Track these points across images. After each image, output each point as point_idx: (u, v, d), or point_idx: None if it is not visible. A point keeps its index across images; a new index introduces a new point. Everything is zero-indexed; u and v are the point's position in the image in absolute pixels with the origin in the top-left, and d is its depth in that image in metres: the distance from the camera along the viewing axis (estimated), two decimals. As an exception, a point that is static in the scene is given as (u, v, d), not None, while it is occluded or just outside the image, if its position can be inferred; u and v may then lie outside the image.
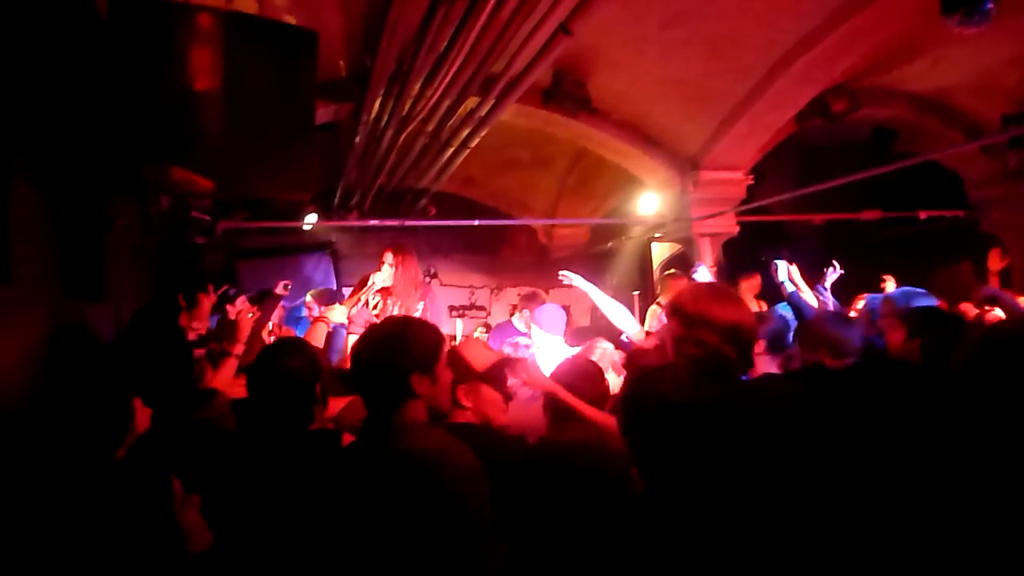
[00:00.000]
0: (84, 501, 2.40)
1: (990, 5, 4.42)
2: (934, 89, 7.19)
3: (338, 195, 8.72)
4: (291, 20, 4.81)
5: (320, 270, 10.06)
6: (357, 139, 6.61)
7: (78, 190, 3.64)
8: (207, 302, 3.83)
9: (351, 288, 5.71)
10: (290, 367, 2.46)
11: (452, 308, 10.98)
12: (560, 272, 4.65)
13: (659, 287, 7.66)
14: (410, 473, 1.84)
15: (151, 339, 3.31)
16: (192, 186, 3.83)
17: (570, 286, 4.72)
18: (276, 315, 5.88)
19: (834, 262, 5.66)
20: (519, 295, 10.53)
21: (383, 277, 4.65)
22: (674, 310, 2.13)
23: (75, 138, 3.22)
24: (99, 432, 2.64)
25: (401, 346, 2.01)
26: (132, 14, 3.45)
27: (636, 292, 9.12)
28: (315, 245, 10.06)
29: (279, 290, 6.30)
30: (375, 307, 4.67)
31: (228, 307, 4.81)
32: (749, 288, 6.33)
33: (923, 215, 7.97)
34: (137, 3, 3.50)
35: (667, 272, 7.00)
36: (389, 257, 4.73)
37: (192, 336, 4.14)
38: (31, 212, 2.90)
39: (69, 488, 2.44)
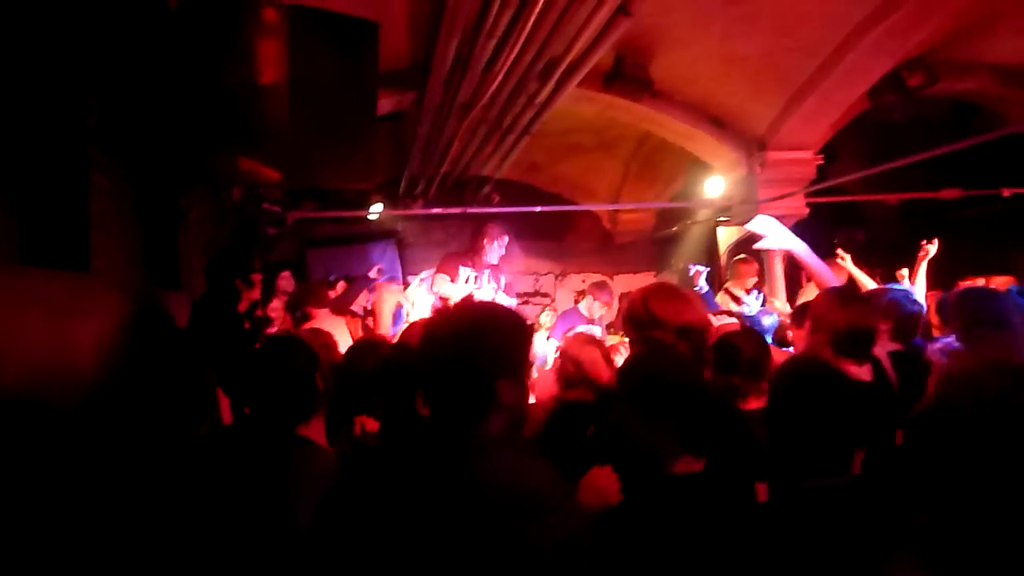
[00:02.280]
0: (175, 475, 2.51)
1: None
2: (1021, 58, 6.81)
3: (403, 184, 8.85)
4: (353, 11, 4.89)
5: (386, 258, 10.23)
6: (420, 128, 6.68)
7: (153, 183, 3.80)
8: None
9: (417, 276, 5.85)
10: (291, 365, 2.29)
11: (517, 295, 11.03)
12: (750, 223, 3.62)
13: (728, 272, 7.52)
14: (494, 516, 1.41)
15: (213, 326, 3.43)
16: (259, 176, 3.96)
17: (634, 272, 4.71)
18: (366, 299, 6.13)
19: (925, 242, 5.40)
20: (583, 281, 10.55)
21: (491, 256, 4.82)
22: (627, 316, 2.23)
23: (147, 131, 3.36)
24: (183, 411, 2.75)
25: (488, 341, 1.57)
26: (201, 8, 3.57)
27: (702, 276, 8.99)
28: (381, 233, 10.23)
29: (372, 274, 6.55)
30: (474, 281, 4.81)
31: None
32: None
33: (1007, 192, 7.58)
34: (205, -1, 3.62)
35: (737, 257, 6.86)
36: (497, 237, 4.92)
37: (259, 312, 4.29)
38: (110, 204, 3.04)
39: (158, 464, 2.57)
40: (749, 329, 3.05)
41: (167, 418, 2.74)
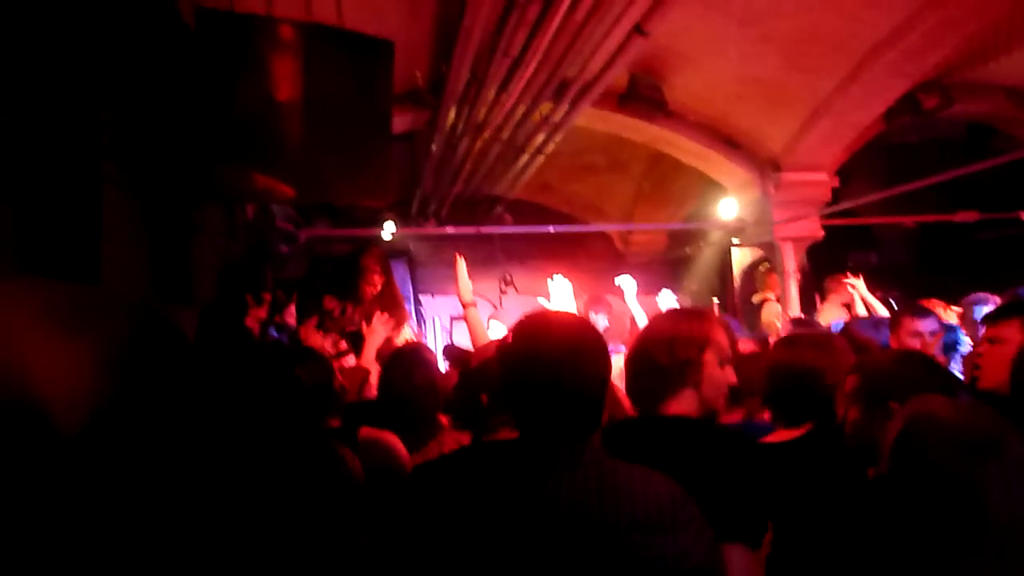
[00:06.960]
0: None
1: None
2: (1036, 81, 6.77)
3: (415, 203, 8.85)
4: (369, 30, 4.91)
5: (397, 277, 10.20)
6: (433, 147, 6.70)
7: (167, 196, 3.80)
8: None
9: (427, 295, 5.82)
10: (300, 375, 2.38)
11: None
12: (618, 277, 4.43)
13: (758, 283, 7.55)
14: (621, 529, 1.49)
15: (221, 339, 3.41)
16: (273, 192, 3.96)
17: (647, 294, 4.66)
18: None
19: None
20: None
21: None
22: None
23: (163, 145, 3.36)
24: (189, 432, 2.75)
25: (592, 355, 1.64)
26: (218, 27, 3.59)
27: (715, 299, 8.93)
28: (392, 253, 10.19)
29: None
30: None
31: None
32: (839, 297, 6.00)
33: (1025, 216, 7.50)
34: (222, 17, 3.65)
35: (763, 267, 6.84)
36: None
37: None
38: (122, 216, 3.03)
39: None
40: None
41: (173, 439, 2.72)
